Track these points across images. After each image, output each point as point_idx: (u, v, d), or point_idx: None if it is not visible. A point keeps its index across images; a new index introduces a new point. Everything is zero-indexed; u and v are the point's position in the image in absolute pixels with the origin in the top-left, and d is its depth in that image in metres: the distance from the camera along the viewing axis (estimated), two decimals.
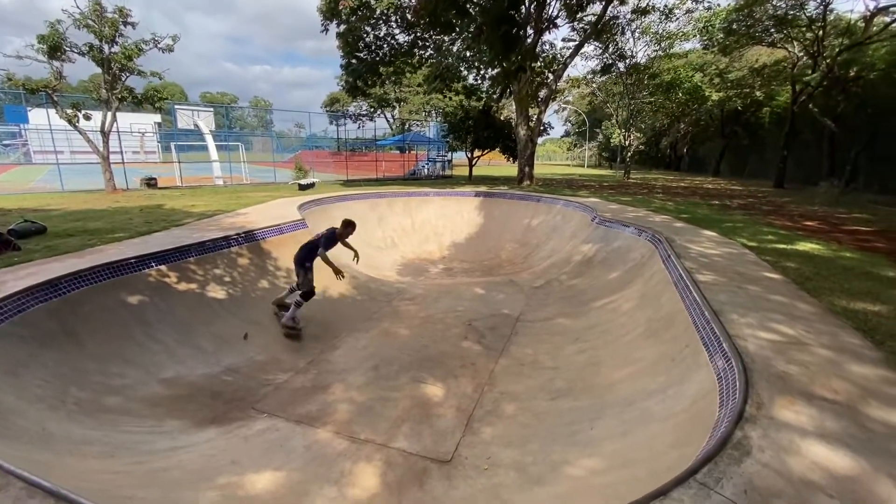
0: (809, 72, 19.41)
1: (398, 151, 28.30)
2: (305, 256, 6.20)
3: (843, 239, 7.99)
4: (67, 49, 12.63)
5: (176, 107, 21.78)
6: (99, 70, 13.40)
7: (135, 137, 32.47)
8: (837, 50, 17.76)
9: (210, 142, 19.74)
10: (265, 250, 7.19)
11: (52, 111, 14.00)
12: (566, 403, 4.46)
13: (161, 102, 14.76)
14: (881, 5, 17.77)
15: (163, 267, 5.73)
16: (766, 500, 1.79)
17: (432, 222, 13.90)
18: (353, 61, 19.22)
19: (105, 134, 13.66)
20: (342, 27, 17.77)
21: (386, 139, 31.43)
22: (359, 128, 36.86)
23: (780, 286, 4.86)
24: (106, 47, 13.11)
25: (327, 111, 37.01)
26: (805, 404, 2.54)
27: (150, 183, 16.30)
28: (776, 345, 3.32)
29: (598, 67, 22.25)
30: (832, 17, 19.07)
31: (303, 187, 14.66)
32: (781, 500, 1.80)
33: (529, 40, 16.15)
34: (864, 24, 18.03)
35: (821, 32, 18.69)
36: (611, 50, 21.08)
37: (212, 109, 22.63)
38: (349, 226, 6.48)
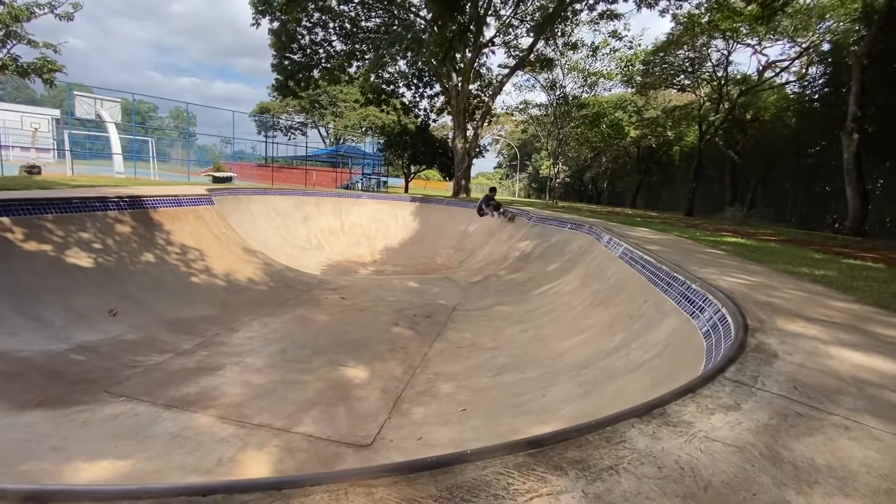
0: (714, 113, 21.64)
1: (332, 165, 27.18)
2: None
3: (759, 238, 8.39)
4: None
5: (75, 93, 19.16)
6: None
7: (25, 133, 28.18)
8: (737, 94, 20.00)
9: (113, 132, 17.42)
10: (156, 221, 5.94)
11: None
12: (511, 377, 3.82)
13: (50, 75, 12.70)
14: (770, 60, 20.56)
15: (5, 219, 4.39)
16: (829, 397, 1.28)
17: (364, 225, 13.02)
18: (286, 61, 18.25)
19: None
20: (275, 24, 16.86)
21: (319, 149, 30.08)
22: (289, 139, 35.18)
23: (725, 257, 4.70)
24: None
25: (255, 118, 34.86)
26: (807, 323, 2.12)
27: (32, 171, 13.79)
28: (747, 285, 2.97)
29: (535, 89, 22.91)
30: (731, 69, 21.64)
31: (217, 180, 13.14)
32: (848, 397, 1.28)
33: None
34: (757, 76, 20.60)
35: (723, 81, 21.06)
36: (542, 79, 22.18)
37: (119, 100, 20.22)
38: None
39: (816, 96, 19.37)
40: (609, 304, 4.13)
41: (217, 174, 13.38)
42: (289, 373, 4.05)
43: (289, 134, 36.04)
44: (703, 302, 2.66)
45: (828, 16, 16.95)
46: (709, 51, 21.23)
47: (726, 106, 20.99)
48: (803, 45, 18.85)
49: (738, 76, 21.69)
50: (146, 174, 18.49)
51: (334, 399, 3.66)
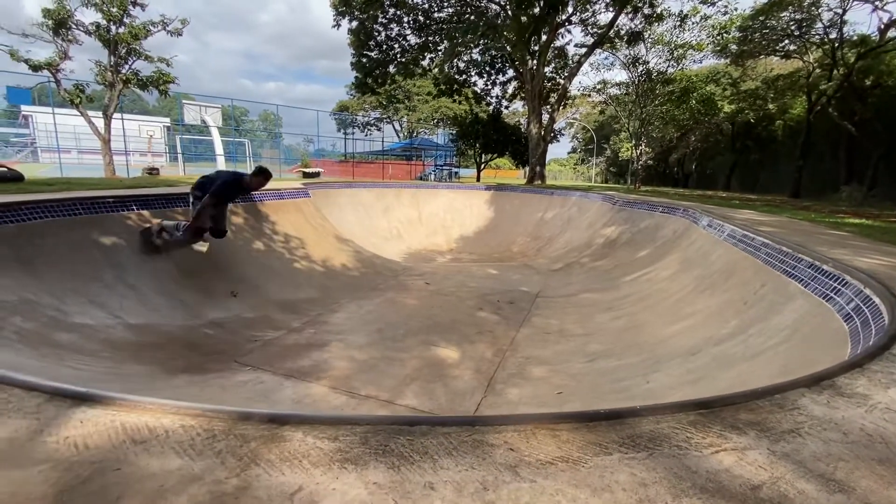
0: (826, 81, 19.04)
1: (406, 158, 27.96)
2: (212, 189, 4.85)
3: (889, 220, 7.31)
4: (73, 27, 12.31)
5: (183, 101, 21.51)
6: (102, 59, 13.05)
7: (143, 140, 32.20)
8: (854, 58, 17.40)
9: (216, 135, 19.37)
10: (263, 212, 6.56)
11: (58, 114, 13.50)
12: (607, 363, 3.75)
13: (165, 87, 14.35)
14: (894, 17, 17.56)
15: (145, 212, 5.11)
16: None
17: (440, 215, 13.28)
18: (363, 59, 18.99)
19: (108, 116, 13.24)
20: (354, 23, 17.58)
21: (394, 144, 31.10)
22: (366, 135, 36.70)
23: (852, 238, 4.18)
24: (113, 27, 12.78)
25: (335, 117, 36.73)
26: None
27: (153, 172, 15.80)
28: (890, 267, 2.64)
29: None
30: (846, 29, 18.83)
31: (307, 175, 14.12)
32: None
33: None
34: (878, 35, 17.74)
35: (837, 44, 18.40)
36: (622, 55, 20.90)
37: (219, 106, 22.37)
38: (262, 175, 5.02)
39: None
40: (716, 290, 3.88)
41: (306, 170, 14.39)
42: (387, 350, 4.31)
43: (365, 130, 37.66)
44: (838, 283, 2.42)
45: None
46: (819, 10, 18.61)
47: (841, 72, 18.32)
48: None
49: (855, 37, 18.79)
50: (244, 171, 20.35)
51: (431, 376, 3.84)
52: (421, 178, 24.43)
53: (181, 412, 0.85)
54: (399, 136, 35.84)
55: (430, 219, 13.16)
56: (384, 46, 19.27)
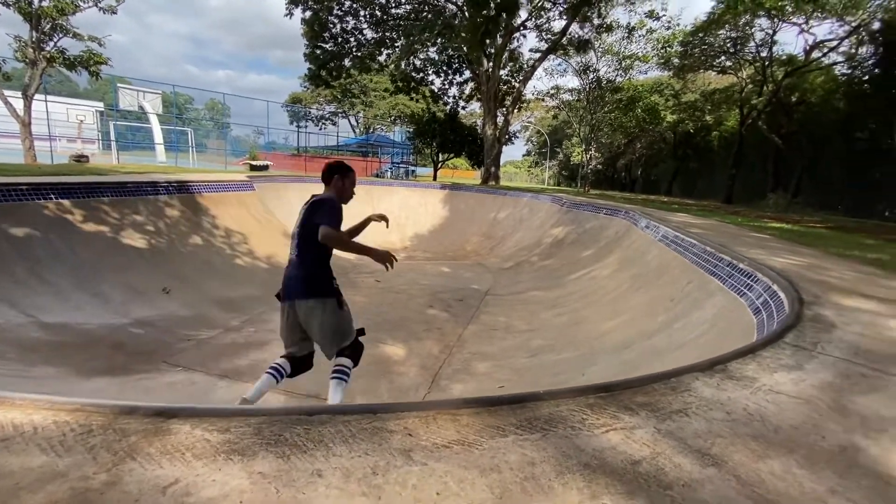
0: (756, 96, 20.62)
1: (361, 155, 27.50)
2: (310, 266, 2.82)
3: (806, 224, 8.03)
4: None
5: (119, 85, 20.05)
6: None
7: (71, 125, 29.63)
8: (782, 76, 18.98)
9: (155, 123, 18.21)
10: (202, 205, 6.23)
11: None
12: (548, 357, 3.86)
13: (96, 68, 13.27)
14: (817, 40, 19.36)
15: (65, 201, 4.71)
16: (893, 361, 1.26)
17: (395, 213, 13.11)
18: (318, 51, 18.48)
19: (28, 97, 12.07)
20: (307, 13, 17.06)
21: (349, 139, 30.48)
22: (321, 129, 35.66)
23: (771, 240, 4.55)
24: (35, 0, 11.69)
25: (287, 109, 35.51)
26: (863, 299, 2.07)
27: (81, 160, 14.58)
28: (798, 265, 2.90)
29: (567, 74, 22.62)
30: (776, 49, 20.50)
31: (254, 168, 13.56)
32: None
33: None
34: (804, 56, 19.46)
35: (767, 62, 20.00)
36: (574, 62, 21.64)
37: (160, 91, 21.03)
38: (343, 171, 2.77)
39: (867, 78, 18.13)
40: (650, 287, 4.09)
41: (254, 163, 13.81)
42: None
43: (320, 124, 36.67)
44: (751, 280, 2.61)
45: None
46: (752, 30, 20.13)
47: (770, 88, 19.94)
48: (853, 24, 17.61)
49: (784, 57, 20.53)
50: (186, 164, 19.24)
51: (376, 373, 3.80)
52: (377, 176, 24.13)
53: (56, 408, 0.78)
54: (355, 132, 35.25)
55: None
56: (339, 39, 18.85)
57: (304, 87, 29.75)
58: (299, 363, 2.87)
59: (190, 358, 3.84)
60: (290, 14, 16.74)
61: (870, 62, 18.30)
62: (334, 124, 36.40)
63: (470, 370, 3.93)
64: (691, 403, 0.93)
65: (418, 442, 0.73)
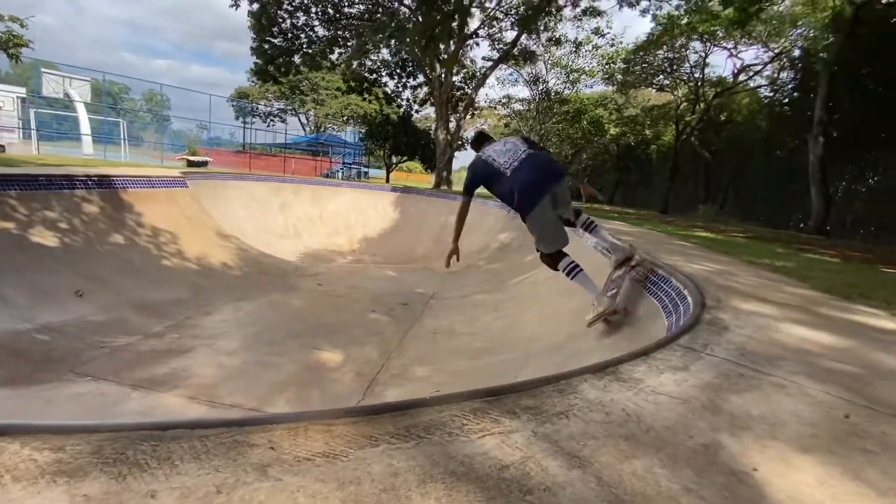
0: (690, 114, 22.16)
1: (311, 154, 26.73)
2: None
3: (728, 233, 8.68)
4: None
5: (42, 70, 18.35)
6: None
7: None
8: (712, 96, 20.53)
9: (82, 112, 16.77)
10: (126, 202, 5.78)
11: None
12: (486, 360, 3.90)
13: (16, 50, 12.06)
14: (744, 64, 21.17)
15: None
16: (771, 362, 1.38)
17: (343, 215, 12.90)
18: (266, 45, 17.79)
19: None
20: (255, 5, 16.41)
21: (299, 137, 29.48)
22: (268, 126, 34.29)
23: (692, 248, 4.87)
24: None
25: (233, 103, 33.80)
26: (761, 303, 2.24)
27: None
28: (710, 271, 3.11)
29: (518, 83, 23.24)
30: (707, 71, 22.17)
31: (192, 164, 12.80)
32: (788, 362, 1.38)
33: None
34: (732, 78, 21.18)
35: (700, 82, 21.57)
36: (525, 73, 22.32)
37: (89, 79, 19.44)
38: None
39: (786, 100, 19.98)
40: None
41: (192, 158, 13.03)
42: (262, 355, 4.03)
43: (268, 120, 35.24)
44: (666, 284, 2.77)
45: (799, 23, 17.52)
46: (687, 52, 21.67)
47: (702, 107, 21.51)
48: (776, 51, 19.44)
49: (714, 78, 22.25)
50: (117, 157, 17.86)
51: (308, 381, 3.67)
52: (327, 176, 23.55)
53: None
54: (305, 130, 34.19)
55: (333, 218, 12.72)
56: (290, 35, 18.27)
57: (252, 82, 28.57)
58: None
59: (101, 367, 3.54)
60: (237, 5, 16.04)
61: (789, 86, 20.18)
62: (283, 121, 35.19)
63: (408, 375, 3.89)
64: (574, 405, 0.95)
65: (279, 456, 0.68)
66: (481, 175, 3.23)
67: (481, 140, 3.48)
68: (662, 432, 0.91)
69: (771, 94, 21.84)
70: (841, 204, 15.69)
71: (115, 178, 5.82)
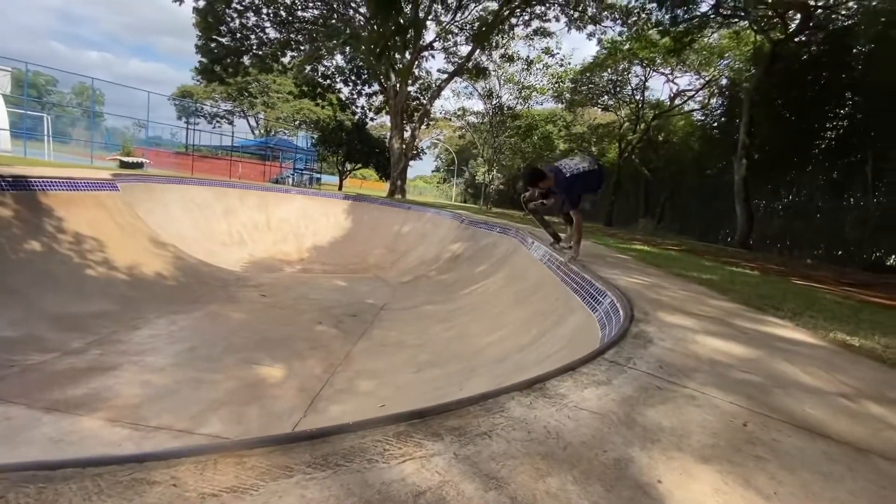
0: (632, 133, 23.58)
1: (260, 158, 25.76)
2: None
3: (664, 247, 9.26)
4: None
5: None
6: None
7: None
8: (651, 117, 21.98)
9: (0, 105, 15.25)
10: (45, 205, 5.30)
11: None
12: (432, 373, 3.89)
13: None
14: (680, 89, 22.88)
15: None
16: (686, 374, 1.48)
17: (292, 222, 12.51)
18: (212, 44, 17.06)
19: None
20: (200, 2, 15.73)
21: (247, 140, 28.28)
22: (214, 127, 32.67)
23: (630, 261, 5.15)
24: None
25: (175, 102, 31.95)
26: (684, 316, 2.41)
27: None
28: (643, 284, 3.29)
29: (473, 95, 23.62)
30: (647, 93, 23.77)
31: (126, 165, 11.95)
32: (701, 374, 1.49)
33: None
34: (669, 102, 22.80)
35: (640, 104, 23.06)
36: (480, 87, 22.87)
37: (9, 69, 17.74)
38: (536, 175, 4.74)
39: (716, 124, 21.78)
40: (527, 303, 4.36)
41: (126, 159, 12.17)
42: (196, 372, 3.80)
43: (213, 122, 33.62)
44: (602, 298, 2.90)
45: (726, 55, 19.22)
46: (629, 75, 23.14)
47: (642, 127, 22.96)
48: (706, 79, 21.18)
49: (653, 101, 23.88)
50: (40, 155, 16.36)
51: (246, 398, 3.51)
52: (277, 181, 22.78)
53: None
54: (254, 133, 32.94)
55: (281, 225, 12.30)
56: (238, 35, 17.66)
57: (197, 81, 27.24)
58: None
59: (9, 388, 3.20)
60: (180, 1, 15.30)
61: (718, 111, 21.98)
62: (231, 123, 33.74)
63: (353, 389, 3.82)
64: (499, 425, 0.98)
65: (182, 493, 0.65)
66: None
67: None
68: (579, 448, 0.95)
69: (703, 118, 23.72)
70: (762, 220, 17.19)
71: (32, 179, 5.33)
